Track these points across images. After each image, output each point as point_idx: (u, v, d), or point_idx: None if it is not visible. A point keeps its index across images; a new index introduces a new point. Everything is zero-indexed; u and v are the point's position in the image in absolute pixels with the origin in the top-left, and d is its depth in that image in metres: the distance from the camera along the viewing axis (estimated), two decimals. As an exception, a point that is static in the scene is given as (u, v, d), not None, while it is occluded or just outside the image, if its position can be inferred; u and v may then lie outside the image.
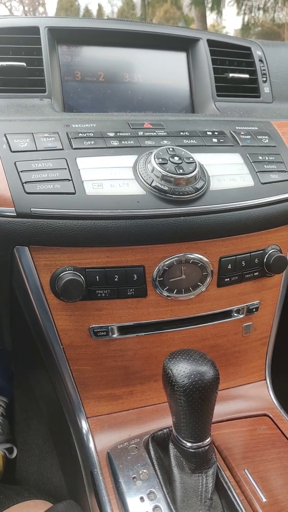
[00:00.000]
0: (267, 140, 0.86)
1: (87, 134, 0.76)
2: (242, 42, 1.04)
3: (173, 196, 0.71)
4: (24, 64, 0.84)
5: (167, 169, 0.71)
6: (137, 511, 0.65)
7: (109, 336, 0.77)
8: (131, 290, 0.75)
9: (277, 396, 0.92)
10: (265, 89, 1.02)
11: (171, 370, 0.63)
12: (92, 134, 0.76)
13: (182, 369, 0.62)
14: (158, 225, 0.71)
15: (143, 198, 0.70)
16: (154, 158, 0.72)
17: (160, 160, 0.72)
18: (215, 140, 0.83)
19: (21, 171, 0.68)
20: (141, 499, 0.66)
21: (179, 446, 0.67)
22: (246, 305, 0.85)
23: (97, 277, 0.72)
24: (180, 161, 0.73)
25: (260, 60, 1.03)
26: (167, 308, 0.79)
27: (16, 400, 1.31)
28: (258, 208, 0.77)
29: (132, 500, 0.67)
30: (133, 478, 0.70)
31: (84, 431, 0.81)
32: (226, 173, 0.78)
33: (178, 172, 0.71)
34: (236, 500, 0.66)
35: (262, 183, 0.79)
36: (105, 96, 0.92)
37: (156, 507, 0.65)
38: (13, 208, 0.66)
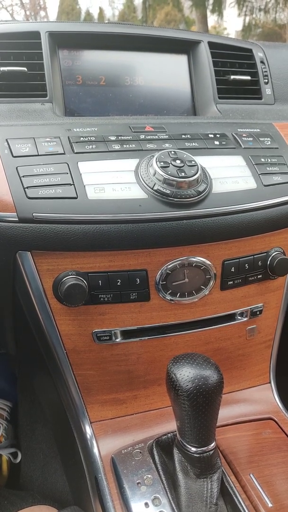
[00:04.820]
0: (269, 142, 0.86)
1: (89, 138, 0.76)
2: (243, 44, 1.04)
3: (175, 199, 0.71)
4: (25, 69, 0.84)
5: (169, 172, 0.71)
6: None
7: (112, 341, 0.77)
8: (134, 294, 0.74)
9: (282, 399, 0.91)
10: (267, 90, 1.02)
11: (175, 375, 0.62)
12: (94, 138, 0.76)
13: (185, 374, 0.61)
14: (160, 228, 0.70)
15: (145, 202, 0.70)
16: (156, 162, 0.72)
17: (162, 163, 0.71)
18: (217, 142, 0.82)
19: (23, 176, 0.68)
20: (146, 504, 0.66)
21: (183, 451, 0.67)
22: (250, 308, 0.85)
23: (100, 281, 0.72)
24: (182, 164, 0.72)
25: (262, 62, 1.02)
26: (171, 312, 0.78)
27: (20, 405, 1.31)
28: (261, 211, 0.77)
29: (136, 506, 0.66)
30: (138, 483, 0.69)
31: (88, 436, 0.80)
32: (229, 175, 0.77)
33: (180, 175, 0.71)
34: (241, 505, 0.66)
35: (265, 185, 0.79)
36: (107, 100, 0.92)
37: None
38: (15, 213, 0.66)
